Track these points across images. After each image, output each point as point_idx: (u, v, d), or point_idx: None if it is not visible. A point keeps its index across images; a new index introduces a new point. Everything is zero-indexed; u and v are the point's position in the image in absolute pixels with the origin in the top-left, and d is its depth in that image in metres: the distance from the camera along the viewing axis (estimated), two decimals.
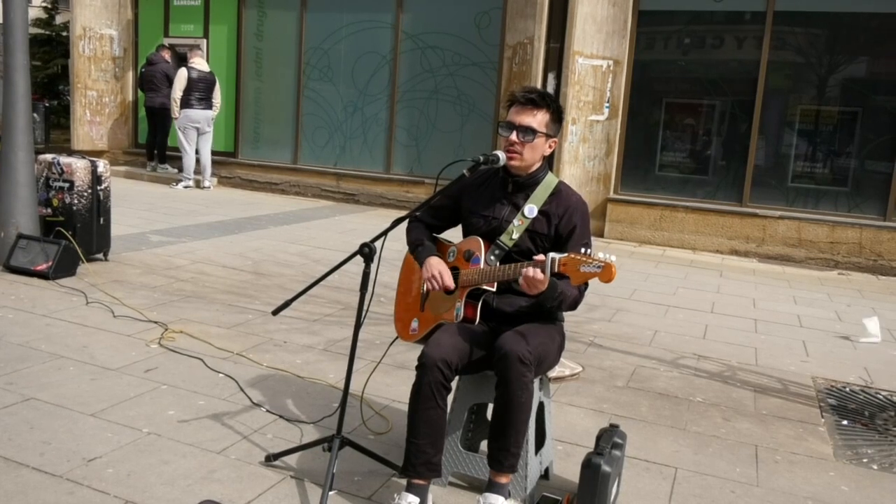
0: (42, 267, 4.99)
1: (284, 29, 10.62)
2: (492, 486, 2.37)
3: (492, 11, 9.38)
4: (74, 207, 5.32)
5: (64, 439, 2.78)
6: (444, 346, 2.37)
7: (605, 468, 2.32)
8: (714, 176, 8.47)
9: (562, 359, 2.83)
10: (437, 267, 2.55)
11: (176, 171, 10.95)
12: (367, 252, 2.46)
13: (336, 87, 10.40)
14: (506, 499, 2.36)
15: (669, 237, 8.31)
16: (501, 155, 2.50)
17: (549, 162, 2.69)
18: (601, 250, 2.27)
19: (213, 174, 10.60)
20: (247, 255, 6.29)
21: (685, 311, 5.47)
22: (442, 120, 9.81)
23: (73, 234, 5.24)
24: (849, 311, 5.81)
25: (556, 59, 8.44)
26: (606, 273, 2.16)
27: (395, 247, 2.80)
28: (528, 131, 2.48)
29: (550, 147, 2.57)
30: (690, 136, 8.58)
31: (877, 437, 3.36)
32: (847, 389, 4.00)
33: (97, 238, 5.50)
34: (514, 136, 2.49)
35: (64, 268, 5.04)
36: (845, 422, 3.52)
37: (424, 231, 2.74)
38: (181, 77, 9.83)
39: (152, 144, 11.11)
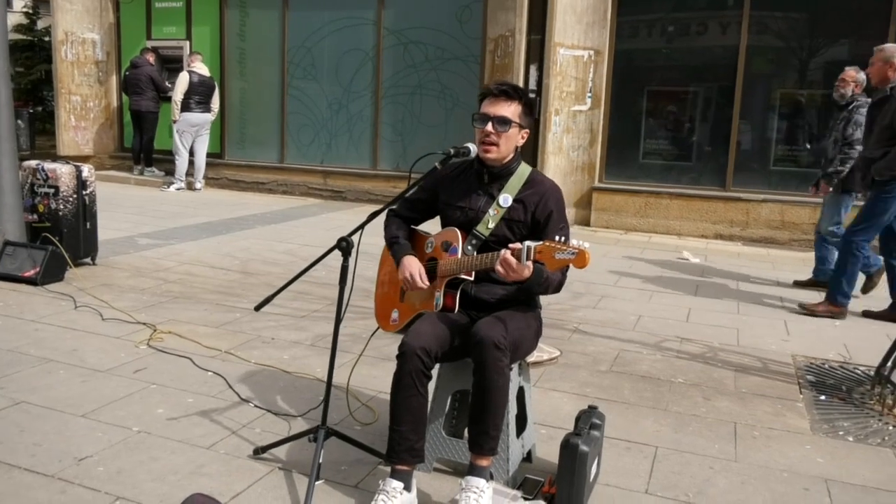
0: (30, 273, 5.02)
1: (267, 28, 10.62)
2: (473, 469, 2.42)
3: (472, 5, 9.42)
4: (60, 213, 5.35)
5: (55, 440, 2.82)
6: (423, 334, 2.43)
7: (583, 448, 2.39)
8: (697, 162, 8.55)
9: (540, 343, 2.89)
10: (410, 268, 2.61)
11: (163, 173, 10.96)
12: (344, 246, 2.52)
13: (320, 85, 10.42)
14: (487, 481, 2.42)
15: (655, 224, 8.38)
16: (472, 147, 2.56)
17: (523, 154, 2.75)
18: (586, 239, 2.33)
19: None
20: (234, 255, 6.32)
21: (669, 295, 5.54)
22: (426, 115, 9.85)
23: (60, 239, 5.27)
24: None
25: (538, 51, 8.51)
26: (580, 259, 2.23)
27: (377, 241, 2.85)
28: (503, 122, 2.52)
29: (523, 138, 2.62)
30: (673, 123, 8.65)
31: (853, 411, 3.44)
32: (826, 366, 4.08)
33: (84, 243, 5.52)
34: (489, 127, 2.53)
35: (52, 273, 5.07)
36: (823, 397, 3.60)
37: (402, 226, 2.79)
38: (183, 80, 9.86)
39: (138, 148, 11.11)
